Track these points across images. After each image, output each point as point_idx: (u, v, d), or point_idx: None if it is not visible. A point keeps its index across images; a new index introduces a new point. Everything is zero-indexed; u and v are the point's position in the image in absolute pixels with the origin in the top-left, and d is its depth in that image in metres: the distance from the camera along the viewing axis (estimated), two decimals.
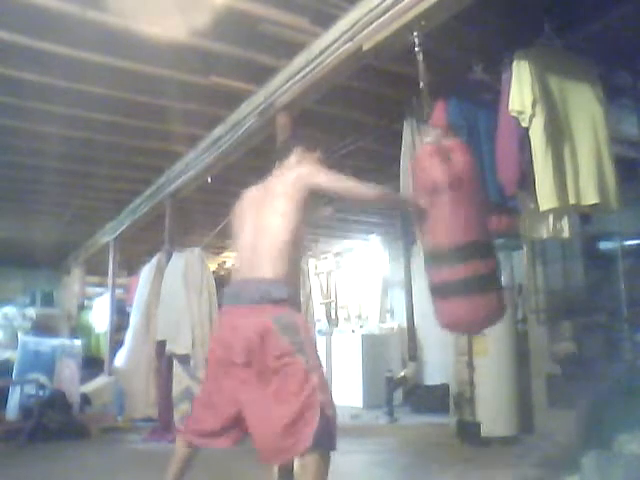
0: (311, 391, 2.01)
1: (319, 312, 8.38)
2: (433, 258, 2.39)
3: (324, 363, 2.22)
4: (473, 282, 2.28)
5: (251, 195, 2.54)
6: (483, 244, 2.36)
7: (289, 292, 2.19)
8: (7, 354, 7.22)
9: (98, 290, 9.14)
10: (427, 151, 2.46)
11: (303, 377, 2.04)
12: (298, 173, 2.38)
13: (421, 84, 2.62)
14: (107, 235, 7.40)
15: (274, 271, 2.19)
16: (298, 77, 3.38)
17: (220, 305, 2.37)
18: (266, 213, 2.32)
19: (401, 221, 6.62)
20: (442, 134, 2.64)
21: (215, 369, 2.31)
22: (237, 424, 2.20)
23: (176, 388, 4.90)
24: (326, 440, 1.97)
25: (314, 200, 2.35)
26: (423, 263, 2.48)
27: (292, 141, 2.76)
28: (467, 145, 2.59)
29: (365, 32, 2.85)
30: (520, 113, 2.79)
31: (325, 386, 2.09)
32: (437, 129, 2.80)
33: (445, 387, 5.64)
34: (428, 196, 2.38)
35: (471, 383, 4.46)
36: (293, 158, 2.56)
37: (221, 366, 2.25)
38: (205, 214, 6.45)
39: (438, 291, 2.39)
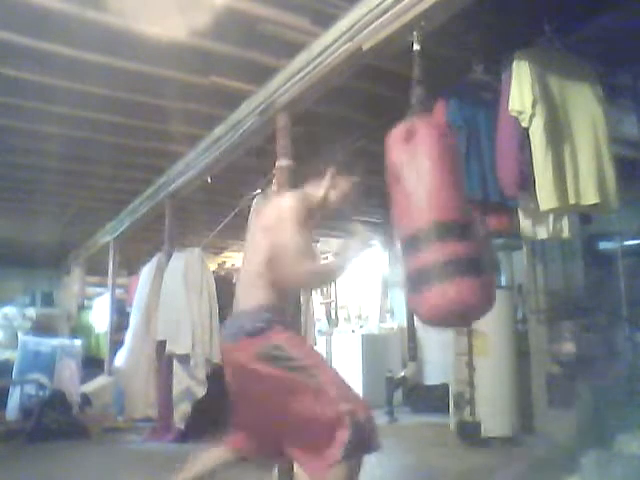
0: (327, 407, 1.91)
1: (319, 312, 8.38)
2: (408, 242, 2.19)
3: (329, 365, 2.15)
4: (455, 265, 2.03)
5: (255, 215, 2.51)
6: (463, 225, 2.13)
7: (267, 317, 2.07)
8: (7, 354, 7.24)
9: (98, 290, 9.14)
10: (397, 129, 2.30)
11: (312, 397, 1.94)
12: (280, 207, 2.19)
13: (421, 83, 2.61)
14: (107, 235, 7.39)
15: (253, 300, 2.12)
16: (298, 77, 3.38)
17: None
18: (252, 243, 2.29)
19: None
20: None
21: (236, 399, 2.23)
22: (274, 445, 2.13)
23: (176, 388, 4.90)
24: (360, 448, 1.89)
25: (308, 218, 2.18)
26: (399, 253, 2.28)
27: (329, 157, 2.48)
28: (442, 123, 2.53)
29: (365, 32, 2.85)
30: (520, 113, 2.79)
31: (346, 394, 1.99)
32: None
33: (445, 387, 5.64)
34: (399, 175, 2.22)
35: (471, 383, 4.45)
36: (324, 179, 2.35)
37: (238, 398, 2.20)
38: (205, 214, 6.45)
39: (416, 281, 2.15)
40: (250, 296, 2.15)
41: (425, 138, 2.21)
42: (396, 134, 2.28)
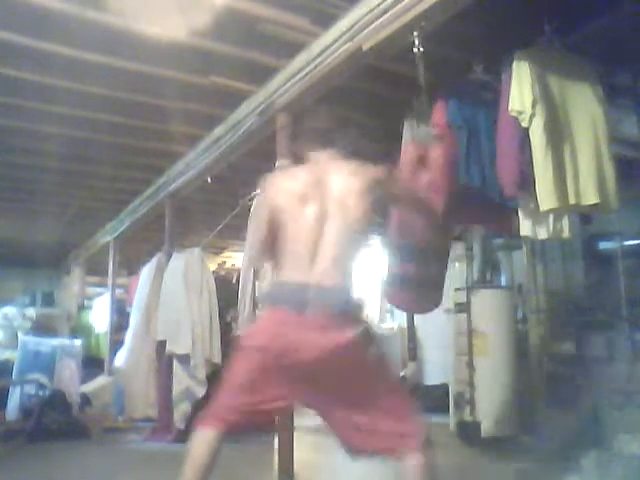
0: (404, 397, 2.12)
1: None
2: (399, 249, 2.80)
3: None
4: (421, 280, 2.79)
5: (299, 184, 2.15)
6: (437, 251, 2.79)
7: (359, 299, 2.09)
8: (7, 354, 7.24)
9: (98, 290, 9.14)
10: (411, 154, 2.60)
11: (398, 384, 2.18)
12: (373, 174, 2.12)
13: (421, 83, 2.62)
14: (107, 235, 7.40)
15: (344, 276, 2.05)
16: (298, 77, 3.38)
17: (268, 305, 2.11)
18: (334, 209, 2.05)
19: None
20: (434, 136, 2.71)
21: (262, 375, 2.00)
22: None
23: (176, 388, 4.90)
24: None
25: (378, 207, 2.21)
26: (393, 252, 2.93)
27: (340, 131, 2.39)
28: (449, 153, 2.90)
29: (365, 32, 2.85)
30: (520, 113, 2.78)
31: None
32: (431, 129, 2.88)
33: (445, 387, 5.63)
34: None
35: (471, 383, 4.45)
36: (335, 150, 2.27)
37: (272, 375, 1.98)
38: (205, 214, 6.45)
39: (397, 280, 2.87)
40: (340, 270, 2.04)
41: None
42: (405, 159, 2.69)
